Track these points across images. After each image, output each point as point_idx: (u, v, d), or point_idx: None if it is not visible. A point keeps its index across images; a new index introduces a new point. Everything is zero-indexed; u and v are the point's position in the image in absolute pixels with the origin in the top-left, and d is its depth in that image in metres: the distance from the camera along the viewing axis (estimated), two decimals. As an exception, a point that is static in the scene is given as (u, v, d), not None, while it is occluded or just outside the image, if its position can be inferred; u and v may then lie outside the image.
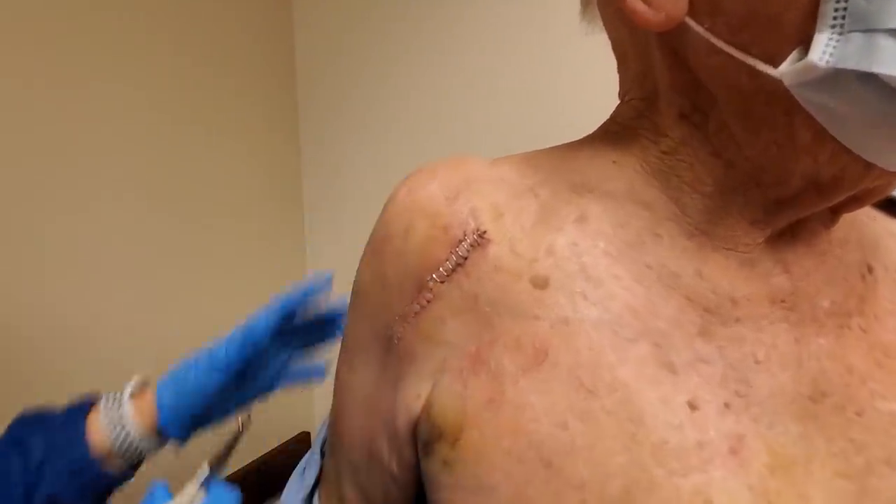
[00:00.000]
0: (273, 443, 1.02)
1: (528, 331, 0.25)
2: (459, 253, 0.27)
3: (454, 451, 0.26)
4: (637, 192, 0.28)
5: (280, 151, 1.04)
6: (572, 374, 0.24)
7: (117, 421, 0.41)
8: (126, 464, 0.43)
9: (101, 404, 0.42)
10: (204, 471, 0.35)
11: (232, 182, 0.93)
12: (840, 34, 0.19)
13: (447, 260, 0.27)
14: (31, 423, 0.39)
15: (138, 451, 0.42)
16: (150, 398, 0.43)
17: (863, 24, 0.19)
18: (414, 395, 0.28)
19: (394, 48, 0.98)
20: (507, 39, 0.89)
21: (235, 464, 0.94)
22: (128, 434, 0.41)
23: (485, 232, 0.27)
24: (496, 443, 0.25)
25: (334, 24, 1.03)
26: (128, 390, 0.43)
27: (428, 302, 0.27)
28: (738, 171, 0.25)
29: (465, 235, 0.27)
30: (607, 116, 0.32)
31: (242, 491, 0.37)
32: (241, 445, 0.43)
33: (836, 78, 0.20)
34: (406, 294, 0.28)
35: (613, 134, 0.30)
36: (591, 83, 0.73)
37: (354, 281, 0.32)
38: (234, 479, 0.92)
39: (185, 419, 0.44)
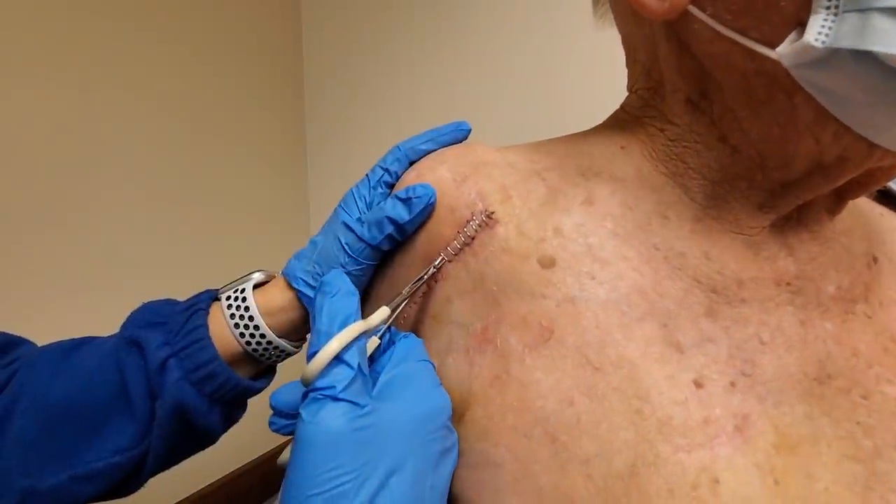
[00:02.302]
0: (277, 440, 1.02)
1: (534, 309, 0.26)
2: (467, 233, 0.27)
3: (459, 428, 0.26)
4: (645, 176, 0.28)
5: (286, 152, 1.05)
6: (578, 352, 0.25)
7: (242, 318, 0.33)
8: (255, 368, 0.35)
9: (223, 301, 0.34)
10: (382, 314, 0.26)
11: (238, 183, 0.94)
12: (835, 14, 0.20)
13: (455, 239, 0.27)
14: (148, 324, 0.32)
15: (269, 351, 0.34)
16: (277, 290, 0.34)
17: (857, 4, 0.19)
18: None
19: (400, 49, 0.99)
20: (514, 41, 0.90)
21: (236, 462, 0.94)
22: (257, 334, 0.33)
23: (492, 213, 0.27)
24: (501, 419, 0.25)
25: (341, 23, 1.03)
26: (250, 283, 0.34)
27: (436, 282, 0.28)
28: (744, 155, 0.26)
29: (473, 216, 0.27)
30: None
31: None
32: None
33: (832, 58, 0.20)
34: (414, 275, 0.28)
35: (622, 122, 0.30)
36: (600, 85, 0.73)
37: None
38: (235, 478, 0.92)
39: None
